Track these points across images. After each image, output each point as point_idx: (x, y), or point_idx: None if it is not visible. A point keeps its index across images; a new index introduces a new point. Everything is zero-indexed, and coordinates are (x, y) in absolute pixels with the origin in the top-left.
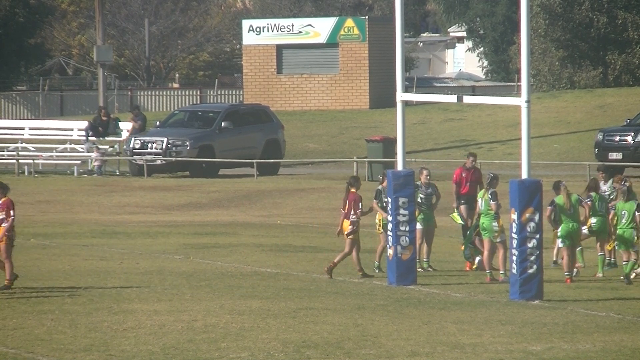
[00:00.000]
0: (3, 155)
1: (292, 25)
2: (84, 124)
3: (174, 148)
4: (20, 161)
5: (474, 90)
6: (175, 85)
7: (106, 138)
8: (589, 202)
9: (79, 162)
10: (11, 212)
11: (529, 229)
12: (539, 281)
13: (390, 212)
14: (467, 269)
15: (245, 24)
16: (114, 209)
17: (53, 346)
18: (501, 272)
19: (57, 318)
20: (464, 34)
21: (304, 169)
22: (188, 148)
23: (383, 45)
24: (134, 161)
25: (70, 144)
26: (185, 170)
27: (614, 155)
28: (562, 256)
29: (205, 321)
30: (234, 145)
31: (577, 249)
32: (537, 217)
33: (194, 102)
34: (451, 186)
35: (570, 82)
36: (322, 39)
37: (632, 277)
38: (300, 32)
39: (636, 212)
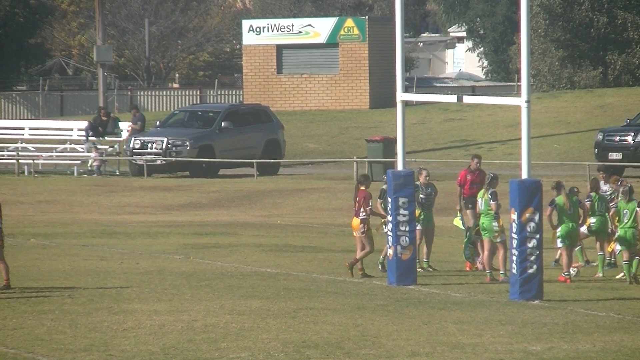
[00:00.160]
0: (3, 155)
1: (292, 26)
2: (84, 124)
3: (174, 148)
4: (20, 161)
5: (474, 90)
6: (175, 85)
7: (106, 138)
8: (587, 202)
9: (79, 162)
10: None
11: (529, 229)
12: (539, 281)
13: (390, 212)
14: (467, 269)
15: (245, 24)
16: (114, 209)
17: (53, 346)
18: (501, 272)
19: (57, 318)
20: (464, 34)
21: (304, 169)
22: (188, 148)
23: (383, 45)
24: (134, 161)
25: (70, 144)
26: (185, 170)
27: (614, 156)
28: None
29: (205, 321)
30: (234, 145)
31: (577, 248)
32: (537, 217)
33: (194, 102)
34: (451, 186)
35: (570, 82)
36: (322, 39)
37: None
38: (300, 32)
39: (637, 209)
